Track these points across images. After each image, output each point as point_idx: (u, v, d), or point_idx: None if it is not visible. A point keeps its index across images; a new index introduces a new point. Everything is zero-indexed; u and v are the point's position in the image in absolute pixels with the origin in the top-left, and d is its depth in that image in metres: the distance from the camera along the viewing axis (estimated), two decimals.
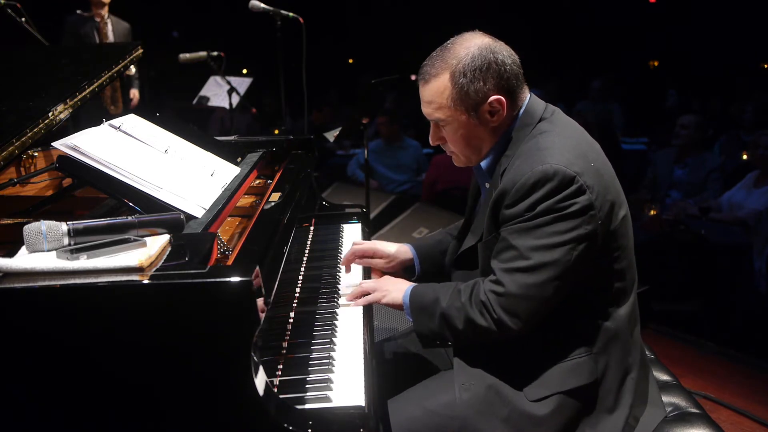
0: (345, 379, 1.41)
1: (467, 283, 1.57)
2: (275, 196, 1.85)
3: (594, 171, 1.48)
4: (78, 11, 5.36)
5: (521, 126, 1.58)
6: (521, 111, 1.59)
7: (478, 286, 1.53)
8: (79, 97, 1.90)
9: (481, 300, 1.49)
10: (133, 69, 5.36)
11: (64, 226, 1.26)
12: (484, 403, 1.53)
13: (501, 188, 1.51)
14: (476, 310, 1.50)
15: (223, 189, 1.74)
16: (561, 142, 1.50)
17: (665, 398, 1.71)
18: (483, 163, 1.64)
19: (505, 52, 1.55)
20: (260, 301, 1.20)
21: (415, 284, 1.69)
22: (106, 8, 5.33)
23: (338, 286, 1.88)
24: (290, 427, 1.18)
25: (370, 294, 1.73)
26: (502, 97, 1.54)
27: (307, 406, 1.31)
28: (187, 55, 4.38)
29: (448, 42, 1.59)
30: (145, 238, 1.29)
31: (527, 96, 1.61)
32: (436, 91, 1.56)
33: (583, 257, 1.46)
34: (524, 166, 1.48)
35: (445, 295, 1.57)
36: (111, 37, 5.35)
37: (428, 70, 1.57)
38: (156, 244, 1.29)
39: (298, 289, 1.83)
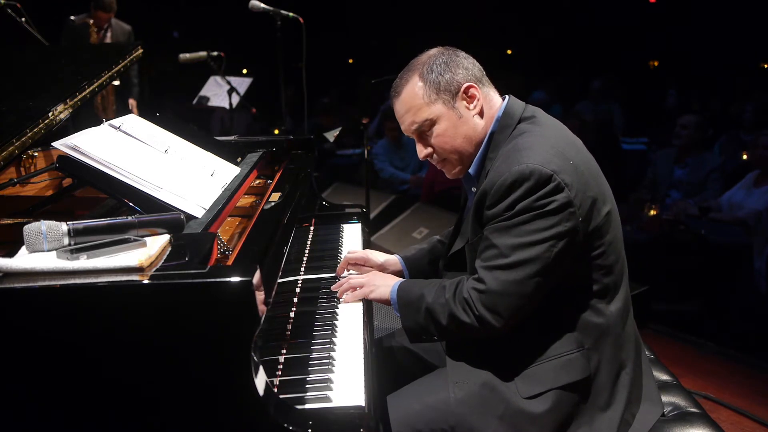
0: (345, 379, 1.41)
1: (452, 280, 1.60)
2: (275, 196, 1.85)
3: (572, 168, 1.50)
4: (72, 17, 5.33)
5: (501, 128, 1.62)
6: (500, 113, 1.63)
7: (462, 284, 1.56)
8: (79, 97, 1.90)
9: (464, 297, 1.52)
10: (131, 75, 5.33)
11: (64, 226, 1.26)
12: (479, 400, 1.54)
13: (482, 189, 1.54)
14: (459, 306, 1.52)
15: (223, 189, 1.75)
16: (539, 142, 1.53)
17: (665, 398, 1.71)
18: (471, 169, 1.67)
19: (463, 55, 1.65)
20: (260, 301, 1.20)
21: (403, 279, 1.72)
22: (111, 15, 5.32)
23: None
24: (290, 427, 1.18)
25: (358, 290, 1.75)
26: (474, 84, 1.61)
27: (307, 406, 1.31)
28: (187, 55, 4.38)
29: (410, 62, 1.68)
30: (145, 238, 1.29)
31: (502, 99, 1.66)
32: (409, 95, 1.62)
33: (563, 254, 1.47)
34: (502, 167, 1.51)
35: (430, 290, 1.60)
36: (110, 41, 5.34)
37: (397, 84, 1.65)
38: (156, 244, 1.29)
39: (298, 289, 1.83)
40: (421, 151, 1.68)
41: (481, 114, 1.63)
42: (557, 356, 1.54)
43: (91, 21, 5.27)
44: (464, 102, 1.61)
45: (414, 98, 1.61)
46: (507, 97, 1.67)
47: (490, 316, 1.49)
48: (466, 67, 1.62)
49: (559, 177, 1.46)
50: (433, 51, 1.65)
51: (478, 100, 1.62)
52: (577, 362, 1.54)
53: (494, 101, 1.65)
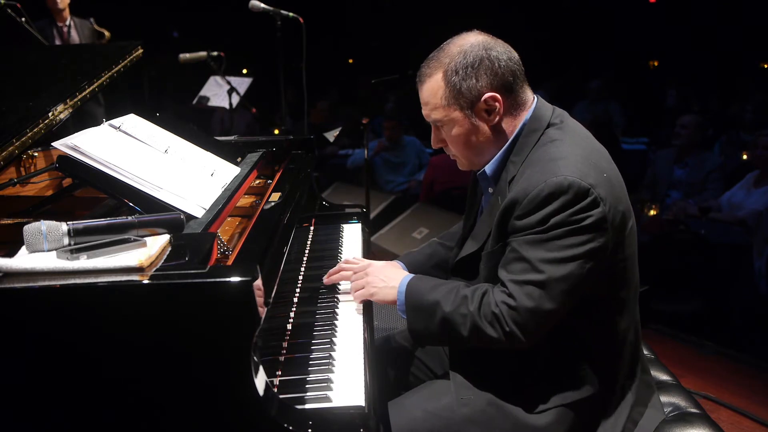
0: (345, 379, 1.41)
1: (473, 289, 1.51)
2: (275, 196, 1.85)
3: (607, 182, 1.45)
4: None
5: (529, 131, 1.54)
6: (528, 115, 1.55)
7: (488, 296, 1.47)
8: (79, 97, 1.90)
9: (493, 311, 1.44)
10: None
11: (64, 226, 1.26)
12: (485, 418, 1.52)
13: (511, 198, 1.47)
14: (486, 321, 1.45)
15: (223, 189, 1.74)
16: (574, 152, 1.47)
17: (665, 398, 1.71)
18: (488, 168, 1.60)
19: (500, 49, 1.52)
20: (260, 301, 1.20)
21: (410, 277, 1.63)
22: (66, 11, 5.31)
23: (338, 286, 1.87)
24: (290, 427, 1.18)
25: (361, 289, 1.70)
26: (497, 94, 1.51)
27: (307, 406, 1.31)
28: (187, 55, 4.38)
29: (445, 42, 1.57)
30: (145, 238, 1.29)
31: (533, 99, 1.58)
32: (430, 91, 1.54)
33: (594, 270, 1.42)
34: (537, 177, 1.44)
35: (447, 298, 1.51)
36: (76, 40, 5.35)
37: (424, 71, 1.56)
38: (156, 244, 1.29)
39: (298, 289, 1.83)
40: (435, 140, 1.63)
41: (500, 123, 1.55)
42: (567, 374, 1.52)
43: (65, 16, 5.27)
44: (483, 111, 1.52)
45: (432, 96, 1.54)
46: (535, 98, 1.58)
47: (519, 333, 1.43)
48: (495, 71, 1.49)
49: (596, 191, 1.40)
50: (467, 44, 1.52)
51: (498, 110, 1.52)
52: (586, 380, 1.52)
53: (523, 103, 1.56)
